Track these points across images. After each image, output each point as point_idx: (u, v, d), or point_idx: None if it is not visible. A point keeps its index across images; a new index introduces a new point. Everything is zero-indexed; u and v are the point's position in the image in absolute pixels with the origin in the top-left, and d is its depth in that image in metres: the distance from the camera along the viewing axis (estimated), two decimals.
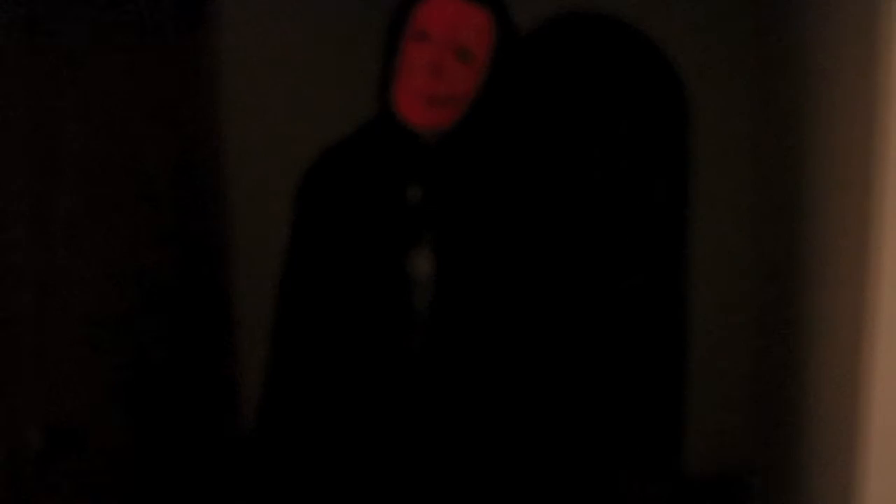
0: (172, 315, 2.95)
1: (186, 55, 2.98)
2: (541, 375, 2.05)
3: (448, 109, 2.01)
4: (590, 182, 5.52)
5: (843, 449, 2.29)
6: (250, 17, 4.29)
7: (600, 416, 2.10)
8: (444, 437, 2.02)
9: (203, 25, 3.02)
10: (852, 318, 2.23)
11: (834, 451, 2.41)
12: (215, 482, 3.03)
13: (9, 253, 2.49)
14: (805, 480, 2.91)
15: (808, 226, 2.86)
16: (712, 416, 4.68)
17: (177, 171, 2.97)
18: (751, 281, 4.40)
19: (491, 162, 2.07)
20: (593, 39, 5.31)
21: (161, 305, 2.90)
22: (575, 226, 2.10)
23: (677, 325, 5.18)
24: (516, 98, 2.11)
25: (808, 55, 3.02)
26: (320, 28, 4.46)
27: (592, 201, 2.28)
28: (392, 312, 2.01)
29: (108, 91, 2.75)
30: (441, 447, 2.02)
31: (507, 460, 2.02)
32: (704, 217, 4.61)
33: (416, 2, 2.05)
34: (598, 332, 2.11)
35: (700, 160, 4.61)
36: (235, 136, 3.82)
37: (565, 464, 2.05)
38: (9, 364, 2.49)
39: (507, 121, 2.09)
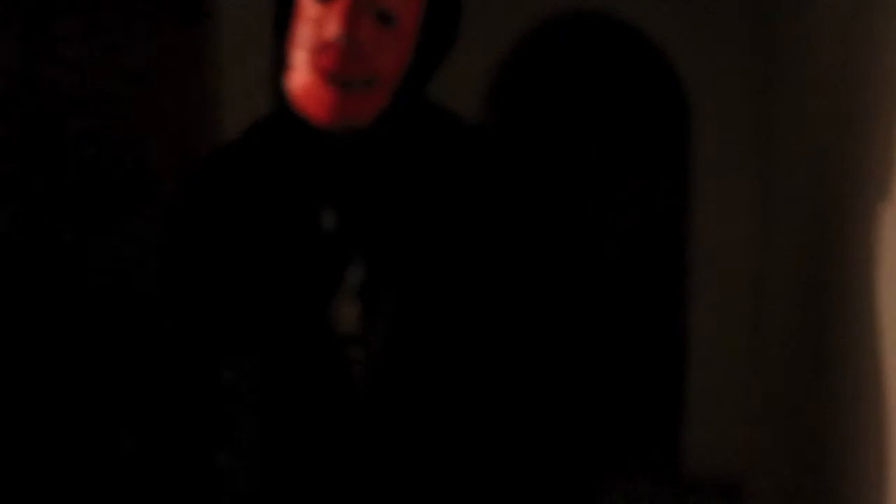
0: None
1: (186, 48, 2.96)
2: (515, 426, 1.53)
3: (366, 97, 1.45)
4: (570, 197, 5.49)
5: (862, 463, 2.26)
6: (250, 10, 4.27)
7: (593, 421, 1.58)
8: None
9: (203, 18, 3.01)
10: (865, 322, 2.21)
11: (857, 464, 2.36)
12: None
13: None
14: (807, 487, 2.90)
15: (816, 226, 2.85)
16: (708, 422, 4.70)
17: (177, 164, 2.96)
18: (749, 291, 4.42)
19: (431, 171, 1.51)
20: (581, 40, 5.31)
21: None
22: (550, 253, 1.54)
23: (674, 335, 5.20)
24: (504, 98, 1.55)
25: (811, 52, 3.03)
26: None
27: (572, 221, 1.59)
28: (314, 382, 1.47)
29: (109, 84, 2.73)
30: None
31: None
32: (705, 219, 4.62)
33: None
34: (593, 346, 1.55)
35: (700, 162, 4.62)
36: (235, 131, 3.82)
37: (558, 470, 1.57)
38: None
39: (450, 114, 1.56)
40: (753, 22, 4.37)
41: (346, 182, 1.48)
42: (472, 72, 4.73)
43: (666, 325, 5.36)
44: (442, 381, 1.47)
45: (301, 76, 1.44)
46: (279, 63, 1.49)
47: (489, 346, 1.50)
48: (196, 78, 3.00)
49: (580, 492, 1.53)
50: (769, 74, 4.02)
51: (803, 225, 3.00)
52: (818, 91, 2.87)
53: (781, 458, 3.37)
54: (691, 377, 4.76)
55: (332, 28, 1.41)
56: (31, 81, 2.60)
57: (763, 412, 3.90)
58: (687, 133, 4.75)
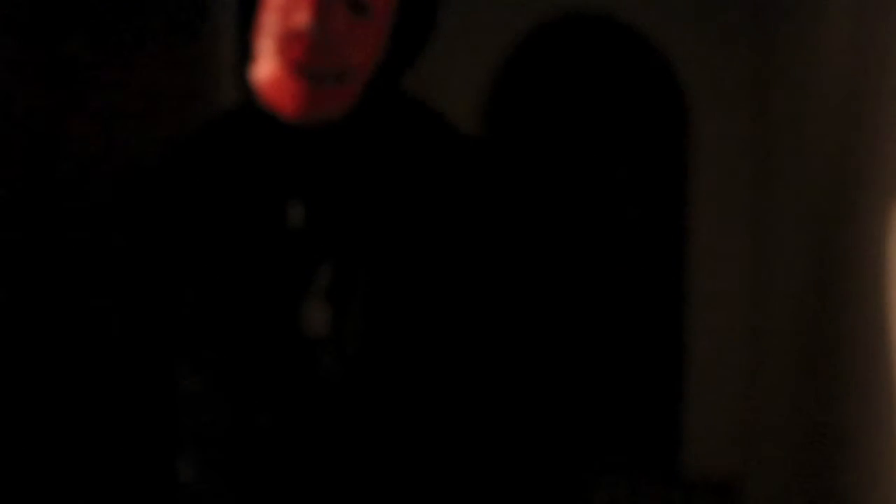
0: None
1: (187, 61, 2.99)
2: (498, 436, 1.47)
3: (337, 91, 1.38)
4: (555, 197, 5.51)
5: (860, 463, 2.27)
6: None
7: (590, 419, 1.54)
8: None
9: (203, 31, 3.03)
10: (863, 322, 2.23)
11: (856, 466, 2.37)
12: None
13: None
14: (806, 487, 2.92)
15: (814, 226, 2.87)
16: (708, 422, 4.72)
17: None
18: (748, 291, 4.44)
19: (404, 168, 1.45)
20: (580, 42, 5.34)
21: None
22: (527, 253, 1.47)
23: (673, 335, 5.21)
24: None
25: (810, 52, 3.04)
26: None
27: (553, 221, 1.49)
28: (281, 388, 1.41)
29: (110, 96, 2.76)
30: None
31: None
32: (703, 219, 4.64)
33: None
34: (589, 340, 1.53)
35: (699, 162, 4.64)
36: None
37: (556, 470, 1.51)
38: None
39: (427, 111, 1.50)
40: (753, 22, 4.39)
41: (316, 178, 1.43)
42: (471, 73, 4.75)
43: (665, 326, 5.37)
44: (416, 386, 1.41)
45: (268, 66, 1.38)
46: (243, 54, 1.42)
47: (465, 347, 1.44)
48: (196, 89, 3.02)
49: (561, 494, 1.48)
50: (769, 74, 4.04)
51: (802, 225, 3.02)
52: (817, 91, 2.89)
53: (781, 458, 3.38)
54: (690, 377, 4.78)
55: (302, 16, 1.34)
56: (34, 87, 2.61)
57: (762, 412, 3.92)
58: (686, 133, 4.76)
